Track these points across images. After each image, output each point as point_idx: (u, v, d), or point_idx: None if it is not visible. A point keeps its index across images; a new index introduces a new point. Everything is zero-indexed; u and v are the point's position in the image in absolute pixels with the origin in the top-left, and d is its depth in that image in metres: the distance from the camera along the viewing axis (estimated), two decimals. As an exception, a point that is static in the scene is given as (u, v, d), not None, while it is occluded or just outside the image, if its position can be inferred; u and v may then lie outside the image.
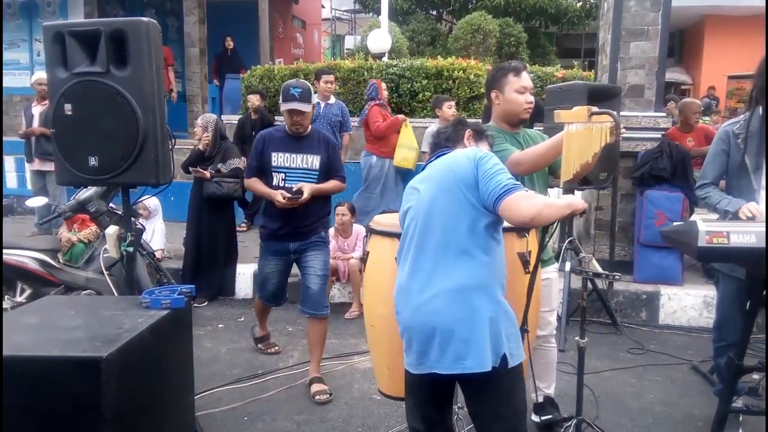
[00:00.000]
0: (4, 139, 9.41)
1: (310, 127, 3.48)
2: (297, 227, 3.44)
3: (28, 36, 9.83)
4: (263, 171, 3.42)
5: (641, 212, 4.90)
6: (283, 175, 3.37)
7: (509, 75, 2.72)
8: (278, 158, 3.38)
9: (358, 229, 5.17)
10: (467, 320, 1.94)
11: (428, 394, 2.12)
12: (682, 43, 15.92)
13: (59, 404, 1.99)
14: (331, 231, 5.18)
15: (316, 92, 6.10)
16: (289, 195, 3.30)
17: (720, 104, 13.32)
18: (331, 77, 6.11)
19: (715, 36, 14.16)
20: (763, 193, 2.66)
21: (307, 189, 3.31)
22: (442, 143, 2.27)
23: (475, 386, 2.00)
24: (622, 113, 4.43)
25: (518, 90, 2.70)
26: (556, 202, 1.99)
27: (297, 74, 7.98)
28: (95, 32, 2.65)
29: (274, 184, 3.40)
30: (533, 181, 2.80)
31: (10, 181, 8.78)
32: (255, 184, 3.48)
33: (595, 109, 2.41)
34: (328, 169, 3.47)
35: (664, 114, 5.52)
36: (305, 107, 3.33)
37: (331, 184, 3.50)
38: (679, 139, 5.53)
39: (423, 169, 2.27)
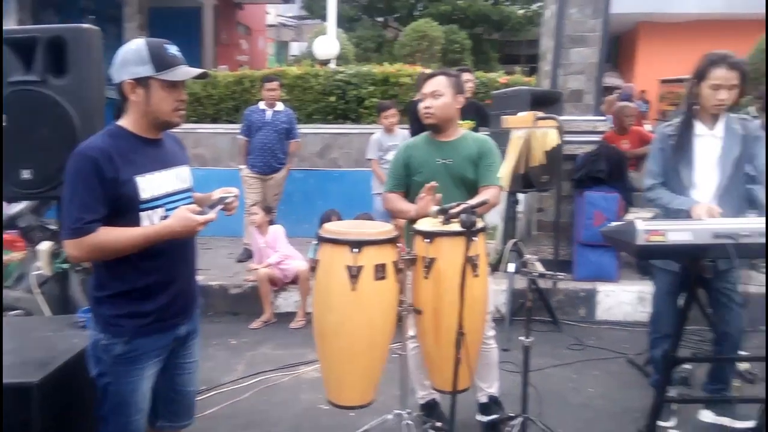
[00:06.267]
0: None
1: None
2: (188, 289, 2.06)
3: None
4: (118, 214, 1.81)
5: (580, 213, 5.01)
6: (163, 209, 1.91)
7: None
8: (150, 184, 1.88)
9: (276, 229, 5.03)
10: None
11: None
12: (618, 48, 16.51)
13: (-13, 431, 1.91)
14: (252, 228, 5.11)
15: (261, 99, 6.09)
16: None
17: (651, 107, 13.93)
18: (274, 84, 5.99)
19: (649, 42, 14.76)
20: (696, 190, 2.81)
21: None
22: None
23: None
24: (562, 117, 4.53)
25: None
26: None
27: (242, 81, 7.92)
28: (31, 39, 2.58)
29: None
30: (451, 192, 2.65)
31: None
32: (111, 235, 1.79)
33: (540, 114, 2.47)
34: None
35: (603, 118, 5.70)
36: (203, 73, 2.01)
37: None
38: (615, 142, 5.72)
39: None
